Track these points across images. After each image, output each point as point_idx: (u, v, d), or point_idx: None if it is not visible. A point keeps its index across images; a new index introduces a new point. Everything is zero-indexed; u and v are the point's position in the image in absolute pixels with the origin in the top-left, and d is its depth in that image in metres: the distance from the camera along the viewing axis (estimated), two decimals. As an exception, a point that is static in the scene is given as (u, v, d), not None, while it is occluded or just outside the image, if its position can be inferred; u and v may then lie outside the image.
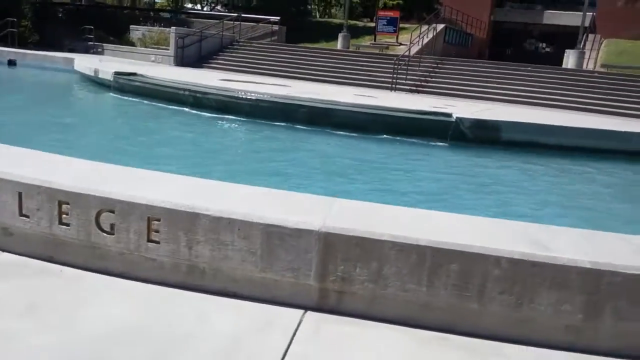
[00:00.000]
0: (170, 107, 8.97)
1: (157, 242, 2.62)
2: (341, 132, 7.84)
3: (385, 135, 7.85)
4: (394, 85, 16.66)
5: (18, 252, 2.84)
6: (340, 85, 16.43)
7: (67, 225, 2.72)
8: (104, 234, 2.68)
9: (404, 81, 16.89)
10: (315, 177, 5.70)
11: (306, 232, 2.45)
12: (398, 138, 7.64)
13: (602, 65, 19.70)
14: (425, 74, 17.75)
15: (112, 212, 2.64)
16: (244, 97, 8.49)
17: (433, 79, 17.50)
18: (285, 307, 2.54)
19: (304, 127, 8.00)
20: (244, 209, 2.55)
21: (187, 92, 8.96)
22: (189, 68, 18.12)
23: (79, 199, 2.67)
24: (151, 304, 2.48)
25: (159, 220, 2.60)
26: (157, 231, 2.61)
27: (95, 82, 11.33)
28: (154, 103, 9.25)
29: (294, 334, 2.31)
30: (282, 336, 2.29)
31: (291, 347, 2.21)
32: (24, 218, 2.79)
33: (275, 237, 2.48)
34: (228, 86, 9.64)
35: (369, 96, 11.51)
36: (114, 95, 10.04)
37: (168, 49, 19.39)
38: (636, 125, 9.85)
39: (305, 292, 2.53)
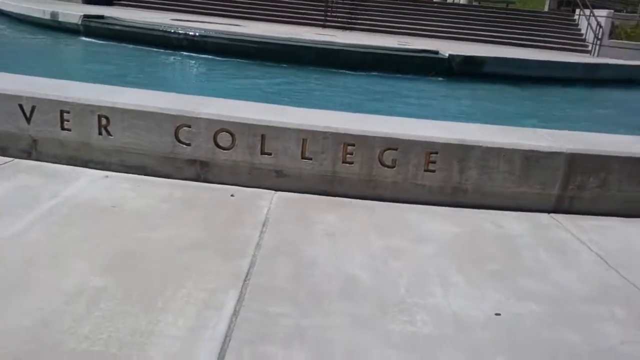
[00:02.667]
0: (167, 51, 8.78)
1: (433, 171, 3.25)
2: (346, 72, 8.37)
3: (382, 73, 8.49)
4: (325, 23, 17.10)
5: (292, 190, 3.29)
6: (272, 24, 16.48)
7: (351, 163, 3.22)
8: (385, 168, 3.23)
9: (333, 19, 17.39)
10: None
11: (556, 154, 3.24)
12: (399, 75, 8.37)
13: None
14: (350, 11, 18.36)
15: (395, 149, 3.20)
16: (248, 40, 8.65)
17: (360, 17, 18.19)
18: (530, 212, 3.33)
19: (311, 68, 8.39)
20: (506, 139, 3.25)
21: (181, 36, 8.82)
22: (101, 6, 16.90)
23: (366, 140, 3.18)
24: (447, 218, 3.13)
25: (436, 153, 3.21)
26: (433, 162, 3.23)
27: (50, 27, 10.47)
28: (142, 47, 8.95)
29: (565, 228, 3.13)
30: (558, 229, 3.11)
31: (577, 236, 3.03)
32: (306, 160, 3.23)
33: (532, 159, 3.23)
34: (211, 28, 9.59)
35: (331, 35, 12.00)
36: (89, 40, 9.47)
37: (78, -14, 17.81)
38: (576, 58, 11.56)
39: (546, 199, 3.34)
